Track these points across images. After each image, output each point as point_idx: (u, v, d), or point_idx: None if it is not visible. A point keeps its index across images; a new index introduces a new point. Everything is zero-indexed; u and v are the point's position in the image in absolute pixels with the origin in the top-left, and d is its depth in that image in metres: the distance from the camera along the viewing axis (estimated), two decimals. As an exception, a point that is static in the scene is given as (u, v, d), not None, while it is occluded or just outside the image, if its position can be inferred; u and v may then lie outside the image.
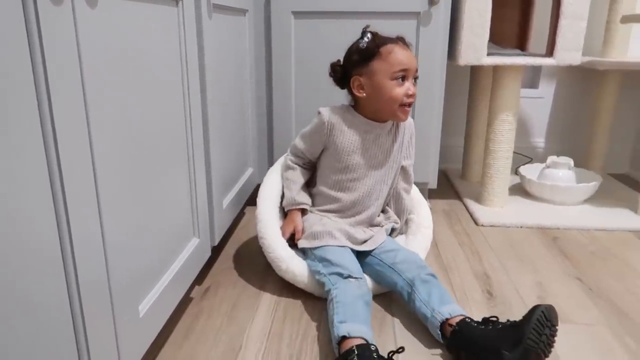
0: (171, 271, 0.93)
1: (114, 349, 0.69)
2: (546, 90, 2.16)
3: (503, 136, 1.65)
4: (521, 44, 1.85)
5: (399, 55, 1.11)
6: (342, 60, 1.20)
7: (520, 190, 1.87)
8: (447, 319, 0.95)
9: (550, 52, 1.57)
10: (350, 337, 0.88)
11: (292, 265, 1.15)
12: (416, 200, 1.36)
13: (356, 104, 1.21)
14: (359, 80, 1.15)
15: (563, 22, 1.51)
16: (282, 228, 1.23)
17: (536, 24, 1.80)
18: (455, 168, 2.18)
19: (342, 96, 1.52)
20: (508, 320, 0.91)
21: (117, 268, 0.69)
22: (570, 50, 1.53)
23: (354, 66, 1.16)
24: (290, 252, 1.18)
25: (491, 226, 1.59)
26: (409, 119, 1.25)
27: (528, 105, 2.16)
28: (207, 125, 1.10)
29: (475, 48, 1.53)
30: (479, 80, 1.92)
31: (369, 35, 1.13)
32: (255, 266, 1.32)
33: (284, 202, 1.27)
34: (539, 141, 2.22)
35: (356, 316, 0.93)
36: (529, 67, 2.09)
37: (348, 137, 1.19)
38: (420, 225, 1.31)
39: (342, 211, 1.24)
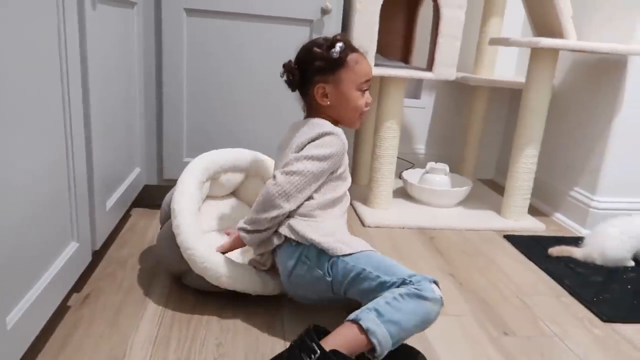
0: (45, 278, 0.86)
1: (-24, 365, 0.63)
2: (427, 101, 2.33)
3: (388, 142, 1.76)
4: (405, 57, 1.99)
5: (364, 65, 1.10)
6: (294, 61, 1.12)
7: (403, 193, 2.00)
8: None
9: (430, 66, 1.70)
10: None
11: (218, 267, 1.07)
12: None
13: (314, 111, 1.14)
14: (324, 88, 1.09)
15: (440, 40, 1.65)
16: (224, 248, 1.12)
17: (418, 39, 1.95)
18: (345, 171, 2.27)
19: (240, 94, 1.53)
20: None
21: (-19, 276, 0.63)
22: (447, 66, 1.68)
23: (316, 73, 1.09)
24: (223, 258, 1.09)
25: (376, 227, 1.69)
26: None
27: (411, 115, 2.33)
28: (89, 122, 1.04)
29: (364, 58, 1.61)
30: (367, 88, 2.03)
31: (341, 44, 1.08)
32: (141, 270, 1.26)
33: (248, 225, 1.06)
34: (420, 148, 2.39)
35: None
36: (412, 79, 2.24)
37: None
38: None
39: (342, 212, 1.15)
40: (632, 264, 1.51)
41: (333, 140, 1.07)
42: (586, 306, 1.26)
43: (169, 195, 1.23)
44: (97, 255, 1.30)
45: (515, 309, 1.23)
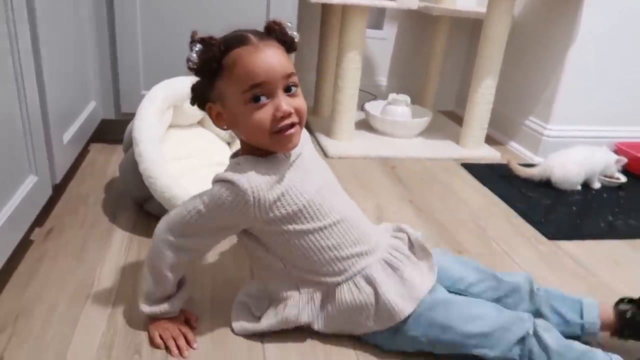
0: (5, 212, 0.85)
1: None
2: (389, 32, 2.31)
3: (350, 74, 1.75)
4: (367, -15, 1.93)
5: (248, 64, 0.73)
6: None
7: (365, 125, 2.02)
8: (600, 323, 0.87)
9: (392, -6, 1.67)
10: None
11: None
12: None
13: (240, 140, 0.84)
14: (214, 108, 0.79)
15: (403, -34, 1.61)
16: (162, 339, 0.82)
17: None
18: (308, 104, 2.25)
19: (200, 19, 1.44)
20: None
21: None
22: (409, -6, 1.65)
23: (204, 89, 0.79)
24: (185, 190, 1.06)
25: (339, 158, 1.72)
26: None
27: (373, 46, 2.30)
28: (39, 53, 0.99)
29: (325, -15, 1.57)
30: (329, 19, 1.98)
31: (197, 47, 0.74)
32: (104, 204, 1.26)
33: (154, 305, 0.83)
34: (382, 79, 2.39)
35: None
36: (374, 8, 2.20)
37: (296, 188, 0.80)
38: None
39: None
40: (579, 188, 1.61)
41: (220, 190, 0.77)
42: (534, 226, 1.35)
43: (132, 123, 1.20)
44: (58, 191, 1.28)
45: (469, 231, 1.30)
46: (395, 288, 0.82)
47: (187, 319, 0.87)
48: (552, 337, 0.79)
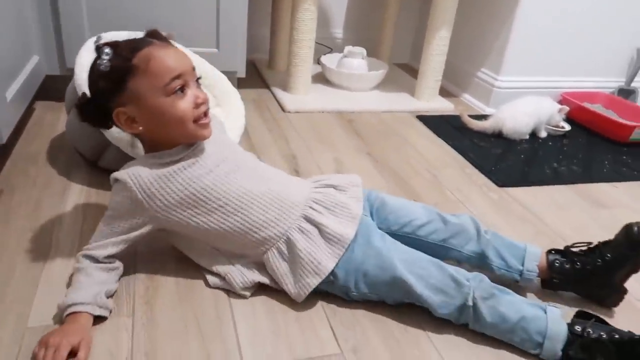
0: (-49, 173, 0.81)
1: None
2: (344, -19, 2.26)
3: (306, 25, 1.72)
4: None
5: (164, 59, 0.79)
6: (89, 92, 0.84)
7: (322, 78, 2.01)
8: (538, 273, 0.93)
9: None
10: None
11: None
12: (226, 91, 1.36)
13: (141, 143, 0.90)
14: (125, 113, 0.81)
15: None
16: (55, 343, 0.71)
17: None
18: (263, 58, 2.21)
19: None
20: (600, 259, 0.90)
21: None
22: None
23: (108, 97, 0.81)
24: None
25: (296, 112, 1.71)
26: None
27: (328, -4, 2.26)
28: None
29: None
30: (282, -33, 1.92)
31: (107, 50, 0.78)
32: (55, 163, 1.22)
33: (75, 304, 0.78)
34: (338, 32, 2.36)
35: None
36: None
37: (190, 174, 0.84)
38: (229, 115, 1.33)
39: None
40: (527, 137, 1.68)
41: (117, 188, 0.84)
42: (485, 175, 1.41)
43: (72, 82, 1.15)
44: (5, 152, 1.22)
45: (425, 180, 1.35)
46: (319, 243, 0.85)
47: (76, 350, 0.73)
48: (487, 306, 0.81)
